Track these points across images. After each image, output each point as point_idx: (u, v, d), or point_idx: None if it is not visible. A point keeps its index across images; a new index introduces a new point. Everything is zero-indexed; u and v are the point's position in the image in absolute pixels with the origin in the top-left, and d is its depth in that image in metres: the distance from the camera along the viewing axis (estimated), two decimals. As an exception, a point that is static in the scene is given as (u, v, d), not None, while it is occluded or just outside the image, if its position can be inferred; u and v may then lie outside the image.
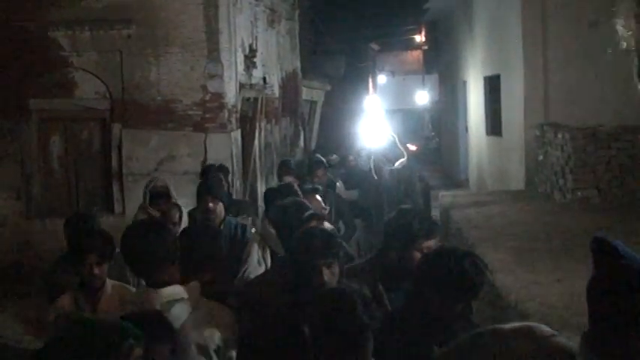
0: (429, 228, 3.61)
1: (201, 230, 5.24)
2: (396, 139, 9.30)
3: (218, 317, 3.06)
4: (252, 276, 4.43)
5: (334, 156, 10.49)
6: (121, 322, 2.45)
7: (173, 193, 6.19)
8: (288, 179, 7.61)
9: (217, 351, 3.00)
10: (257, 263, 4.66)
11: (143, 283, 3.33)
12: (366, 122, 9.96)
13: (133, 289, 4.13)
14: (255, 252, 4.71)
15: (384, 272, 3.60)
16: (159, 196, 6.10)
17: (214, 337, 3.00)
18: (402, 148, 9.19)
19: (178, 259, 3.15)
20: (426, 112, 24.90)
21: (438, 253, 3.10)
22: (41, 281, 5.41)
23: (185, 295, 2.99)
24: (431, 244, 3.56)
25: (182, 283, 3.07)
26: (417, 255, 3.45)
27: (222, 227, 5.18)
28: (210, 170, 7.40)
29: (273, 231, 4.52)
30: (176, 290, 2.98)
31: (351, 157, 10.29)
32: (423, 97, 23.14)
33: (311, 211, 4.32)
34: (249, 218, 6.57)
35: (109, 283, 4.18)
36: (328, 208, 5.32)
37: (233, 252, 4.99)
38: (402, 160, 8.99)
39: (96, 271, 4.06)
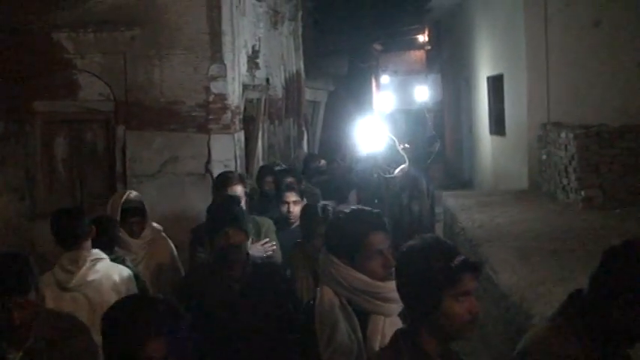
0: None
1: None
2: (396, 143, 8.93)
3: None
4: None
5: (322, 161, 9.99)
6: None
7: (147, 207, 5.53)
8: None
9: None
10: None
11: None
12: (363, 124, 9.55)
13: None
14: None
15: None
16: (133, 212, 5.33)
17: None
18: (402, 153, 8.85)
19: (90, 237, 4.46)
20: (427, 111, 24.64)
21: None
22: None
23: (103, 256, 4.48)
24: None
25: None
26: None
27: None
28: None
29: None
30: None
31: (336, 163, 9.78)
32: (422, 93, 22.51)
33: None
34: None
35: None
36: None
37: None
38: (403, 166, 8.75)
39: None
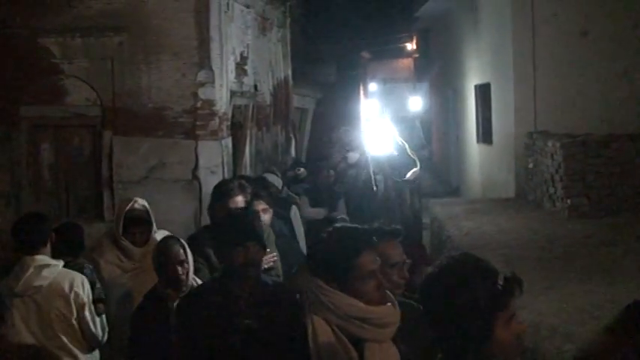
0: None
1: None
2: (407, 147, 8.65)
3: None
4: None
5: (301, 169, 9.87)
6: None
7: (153, 216, 5.25)
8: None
9: None
10: None
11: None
12: (369, 127, 9.15)
13: None
14: None
15: None
16: (136, 222, 5.09)
17: None
18: (414, 157, 8.55)
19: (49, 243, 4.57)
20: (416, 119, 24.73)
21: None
22: None
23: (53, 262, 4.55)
24: None
25: None
26: None
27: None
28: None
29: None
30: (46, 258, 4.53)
31: (326, 171, 9.52)
32: (415, 103, 22.75)
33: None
34: None
35: None
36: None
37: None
38: (414, 170, 8.44)
39: None
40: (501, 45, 11.45)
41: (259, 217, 4.40)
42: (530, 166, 10.10)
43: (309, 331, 2.84)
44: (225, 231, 3.88)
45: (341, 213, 8.50)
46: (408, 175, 8.40)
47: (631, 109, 10.33)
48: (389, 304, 2.85)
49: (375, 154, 8.46)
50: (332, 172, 9.61)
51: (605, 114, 10.30)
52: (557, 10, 10.65)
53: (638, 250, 7.00)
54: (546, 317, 4.96)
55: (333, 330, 2.81)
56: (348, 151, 13.04)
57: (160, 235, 5.26)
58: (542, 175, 9.52)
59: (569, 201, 8.76)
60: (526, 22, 10.67)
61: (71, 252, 4.99)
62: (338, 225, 3.02)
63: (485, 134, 12.86)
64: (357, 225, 3.02)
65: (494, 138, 12.15)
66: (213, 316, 3.60)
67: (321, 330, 2.81)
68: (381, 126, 8.63)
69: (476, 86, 13.41)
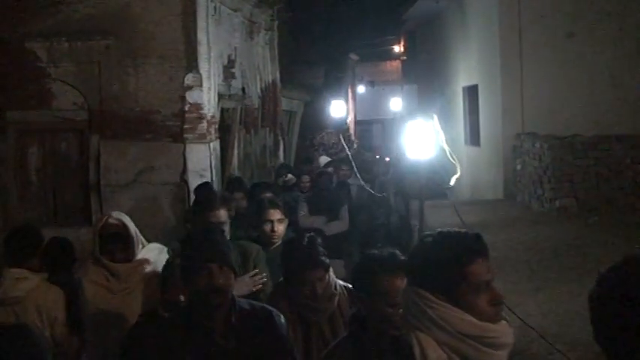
0: None
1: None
2: (449, 151, 8.14)
3: None
4: None
5: (289, 176, 9.45)
6: None
7: (133, 229, 4.62)
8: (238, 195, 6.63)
9: None
10: None
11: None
12: (409, 129, 8.37)
13: None
14: None
15: None
16: (111, 239, 4.54)
17: None
18: (455, 162, 8.02)
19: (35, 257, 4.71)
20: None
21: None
22: None
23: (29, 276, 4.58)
24: None
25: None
26: None
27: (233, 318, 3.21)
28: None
29: None
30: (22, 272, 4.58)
31: (305, 178, 9.06)
32: (397, 104, 22.86)
33: None
34: None
35: None
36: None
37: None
38: (457, 175, 7.97)
39: None
40: (489, 47, 11.48)
41: (224, 233, 3.91)
42: (518, 167, 10.13)
43: (416, 351, 2.35)
44: (187, 252, 3.38)
45: (344, 222, 8.20)
46: (452, 181, 8.01)
47: (618, 111, 10.38)
48: (504, 322, 2.44)
49: (413, 157, 7.87)
50: (307, 177, 9.17)
51: (592, 115, 10.34)
52: (544, 12, 10.70)
53: (625, 251, 7.02)
54: (535, 318, 4.96)
55: (444, 350, 2.34)
56: (320, 154, 12.78)
57: (150, 249, 4.79)
58: (530, 177, 9.55)
59: (557, 202, 8.79)
60: (513, 24, 10.71)
61: (60, 266, 5.13)
62: (444, 229, 2.59)
63: (473, 136, 12.89)
64: (465, 230, 2.59)
65: (483, 140, 12.18)
66: (181, 354, 3.14)
67: (431, 351, 2.33)
68: (424, 128, 7.88)
69: (464, 88, 13.45)
